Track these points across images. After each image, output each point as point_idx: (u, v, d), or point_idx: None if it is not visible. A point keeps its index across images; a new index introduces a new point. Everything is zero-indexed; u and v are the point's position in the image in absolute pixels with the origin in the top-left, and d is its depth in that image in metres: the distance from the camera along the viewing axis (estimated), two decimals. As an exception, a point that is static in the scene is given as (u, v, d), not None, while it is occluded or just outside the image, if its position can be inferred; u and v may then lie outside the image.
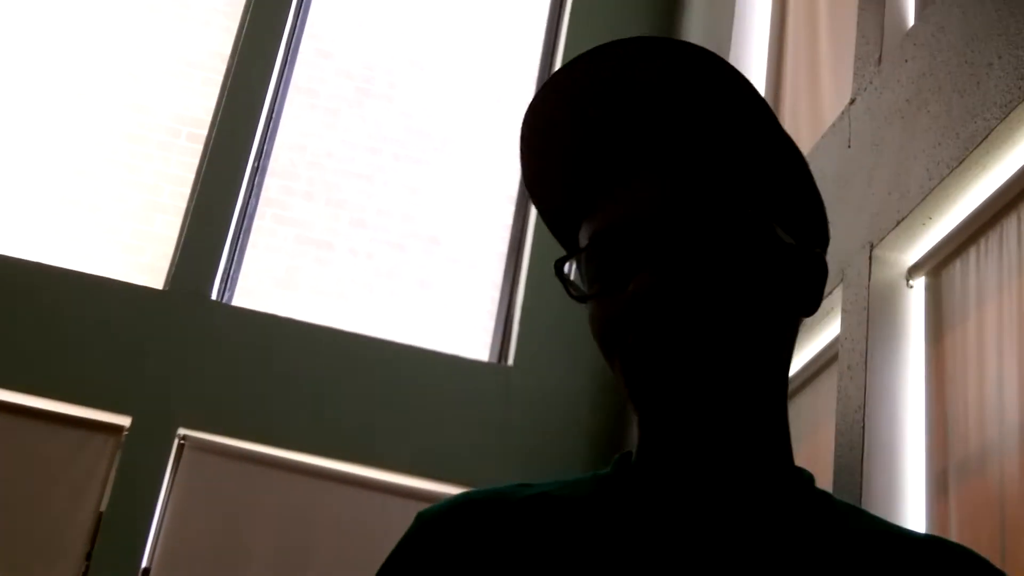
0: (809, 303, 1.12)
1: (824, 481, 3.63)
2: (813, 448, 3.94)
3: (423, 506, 1.18)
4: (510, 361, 5.77)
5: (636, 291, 1.02)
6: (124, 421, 5.21)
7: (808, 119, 4.80)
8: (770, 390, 1.09)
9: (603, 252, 1.07)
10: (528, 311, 5.81)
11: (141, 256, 5.80)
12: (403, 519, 1.18)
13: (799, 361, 4.22)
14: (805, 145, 4.64)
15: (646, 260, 1.03)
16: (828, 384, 3.97)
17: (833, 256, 3.80)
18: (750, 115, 1.06)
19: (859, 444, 3.42)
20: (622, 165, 1.09)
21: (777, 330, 1.07)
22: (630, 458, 1.15)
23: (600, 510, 1.10)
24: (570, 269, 1.12)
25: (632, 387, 1.05)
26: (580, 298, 1.10)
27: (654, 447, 1.10)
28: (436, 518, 1.14)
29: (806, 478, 1.13)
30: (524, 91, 6.59)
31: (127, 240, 5.84)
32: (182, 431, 5.26)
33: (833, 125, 4.16)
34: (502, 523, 1.11)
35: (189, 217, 5.75)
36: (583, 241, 1.10)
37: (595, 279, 1.08)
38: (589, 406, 5.59)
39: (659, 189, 1.05)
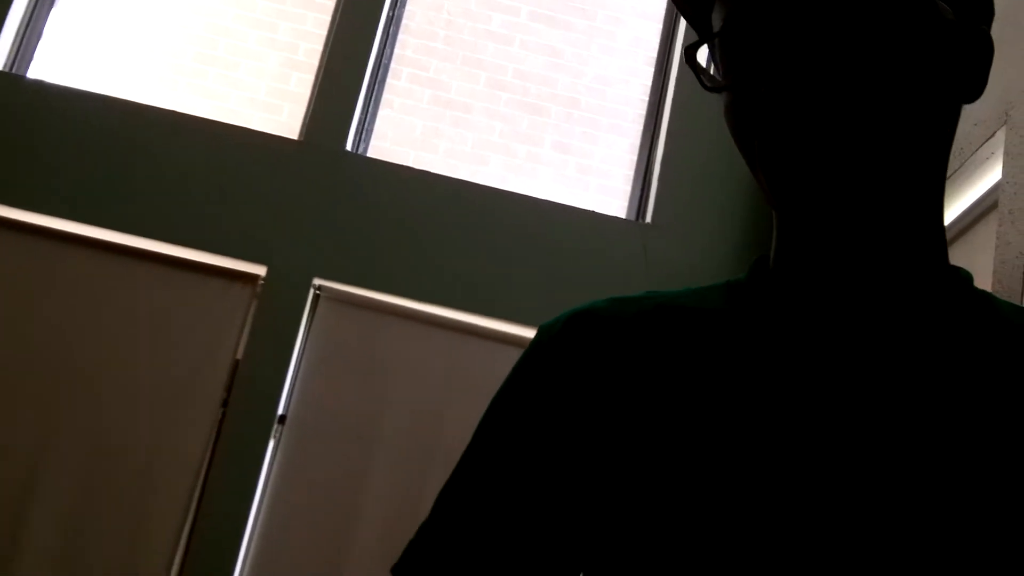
0: (972, 86, 0.96)
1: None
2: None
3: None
4: (648, 219, 5.62)
5: (773, 77, 0.88)
6: (260, 271, 5.21)
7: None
8: (923, 183, 0.95)
9: (737, 37, 0.93)
10: (668, 167, 5.64)
11: (277, 115, 5.77)
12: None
13: (952, 212, 4.01)
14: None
15: (784, 43, 0.88)
16: (985, 235, 3.77)
17: (997, 97, 3.57)
18: None
19: (1019, 291, 3.23)
20: None
21: (934, 116, 0.92)
22: (766, 263, 1.03)
23: (732, 320, 0.99)
24: (705, 57, 0.99)
25: (769, 182, 0.92)
26: (713, 88, 0.96)
27: (793, 248, 0.98)
28: (557, 331, 1.07)
29: (963, 277, 0.99)
30: (667, -56, 6.35)
31: (263, 98, 5.82)
32: (317, 281, 5.24)
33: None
34: (626, 336, 1.02)
35: (321, 73, 5.68)
36: (716, 24, 0.96)
37: (729, 68, 0.94)
38: (733, 269, 5.43)
39: None
